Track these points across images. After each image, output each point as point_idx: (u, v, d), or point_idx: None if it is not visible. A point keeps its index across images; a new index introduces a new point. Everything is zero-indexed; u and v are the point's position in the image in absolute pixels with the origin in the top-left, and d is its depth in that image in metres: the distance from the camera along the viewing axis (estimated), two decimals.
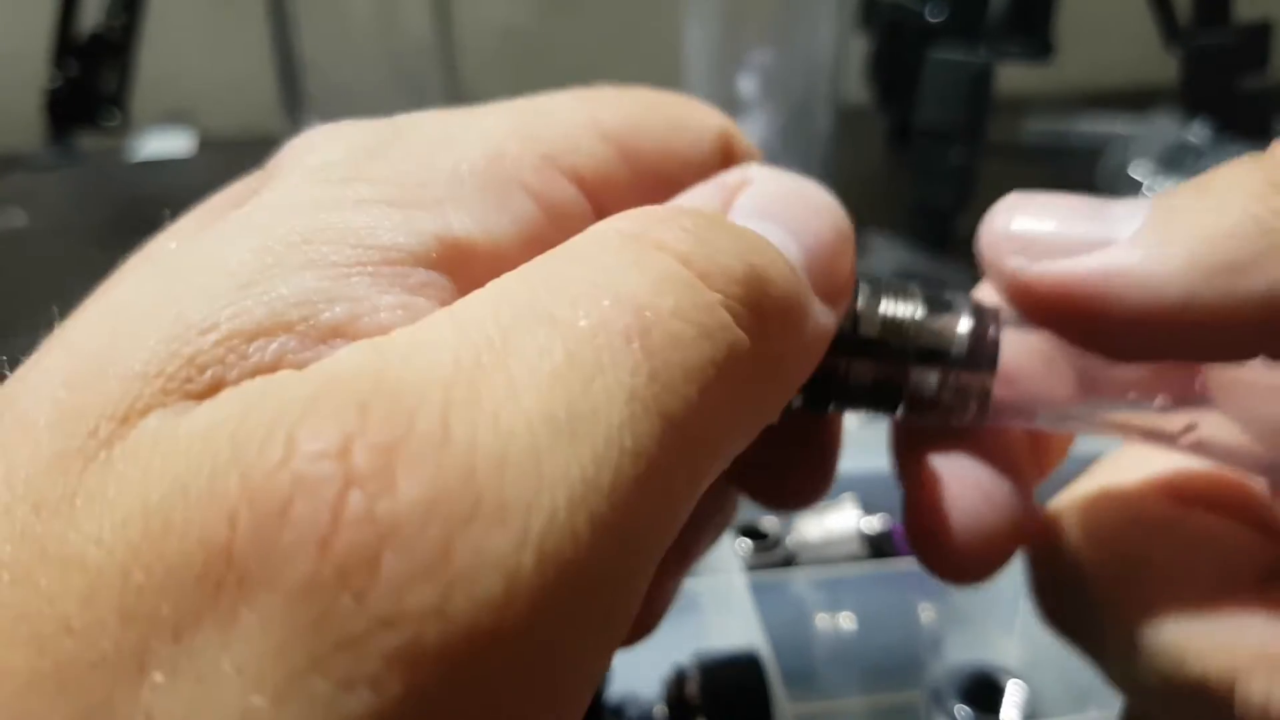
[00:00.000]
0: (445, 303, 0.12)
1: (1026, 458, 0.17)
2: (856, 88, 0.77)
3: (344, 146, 0.14)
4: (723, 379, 0.12)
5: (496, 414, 0.10)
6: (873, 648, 0.37)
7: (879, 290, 0.16)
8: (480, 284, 0.12)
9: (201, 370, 0.11)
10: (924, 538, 0.16)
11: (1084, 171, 0.71)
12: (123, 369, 0.11)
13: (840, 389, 0.16)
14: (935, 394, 0.16)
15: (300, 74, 0.62)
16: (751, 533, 0.40)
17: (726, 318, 0.12)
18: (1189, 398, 0.15)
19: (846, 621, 0.37)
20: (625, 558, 0.11)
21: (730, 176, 0.16)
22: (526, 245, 0.14)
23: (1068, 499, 0.18)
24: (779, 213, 0.15)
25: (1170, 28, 0.71)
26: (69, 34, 0.74)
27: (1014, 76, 0.71)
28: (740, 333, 0.12)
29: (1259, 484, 0.16)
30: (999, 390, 0.16)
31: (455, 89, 0.67)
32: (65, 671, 0.09)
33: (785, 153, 0.65)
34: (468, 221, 0.13)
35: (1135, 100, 0.80)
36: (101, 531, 0.10)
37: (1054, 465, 0.18)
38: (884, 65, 0.78)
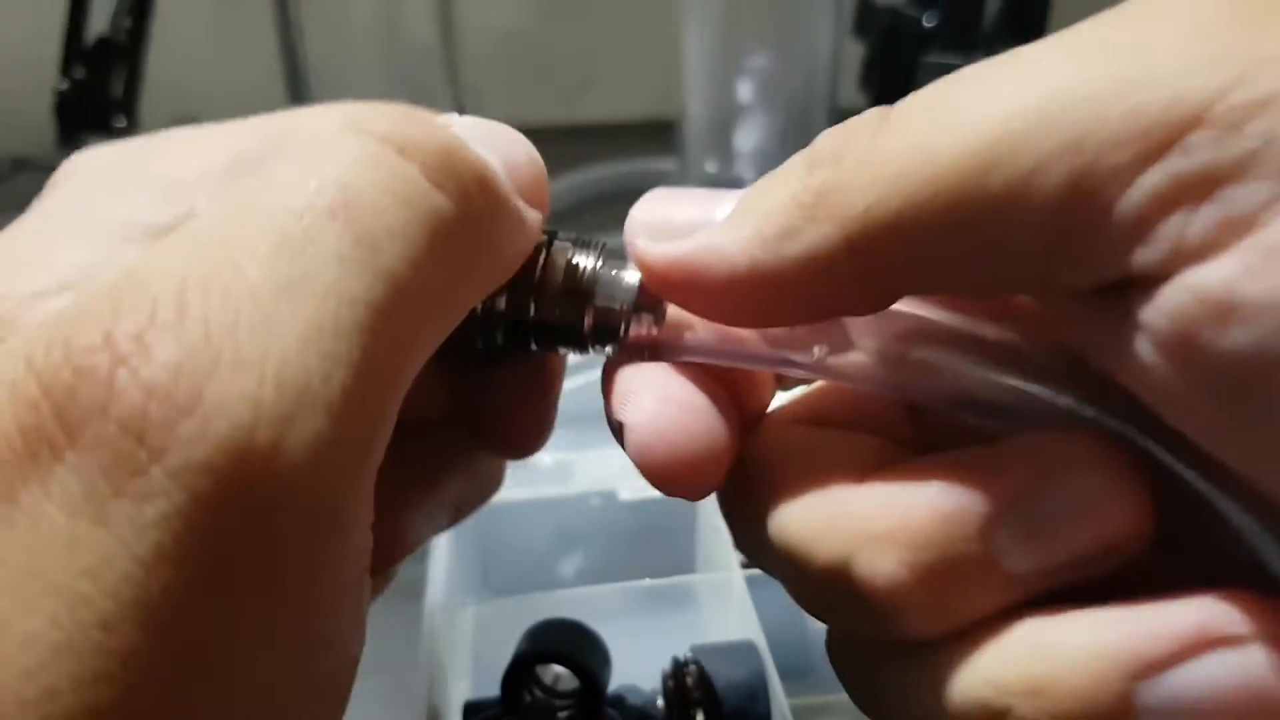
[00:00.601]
0: None
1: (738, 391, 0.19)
2: (853, 92, 0.78)
3: (105, 162, 0.17)
4: (431, 239, 0.14)
5: (226, 289, 0.13)
6: None
7: (567, 242, 0.19)
8: None
9: None
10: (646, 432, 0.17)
11: None
12: None
13: (532, 327, 0.18)
14: (614, 332, 0.18)
15: (305, 79, 0.63)
16: None
17: (425, 185, 0.15)
18: (836, 344, 0.17)
19: None
20: (361, 388, 0.13)
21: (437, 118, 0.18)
22: None
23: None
24: (479, 135, 0.17)
25: None
26: (77, 38, 0.75)
27: None
28: (441, 198, 0.15)
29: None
30: (667, 332, 0.18)
31: (457, 92, 0.68)
32: None
33: (783, 156, 0.65)
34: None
35: None
36: None
37: (766, 401, 0.20)
38: (879, 70, 0.78)
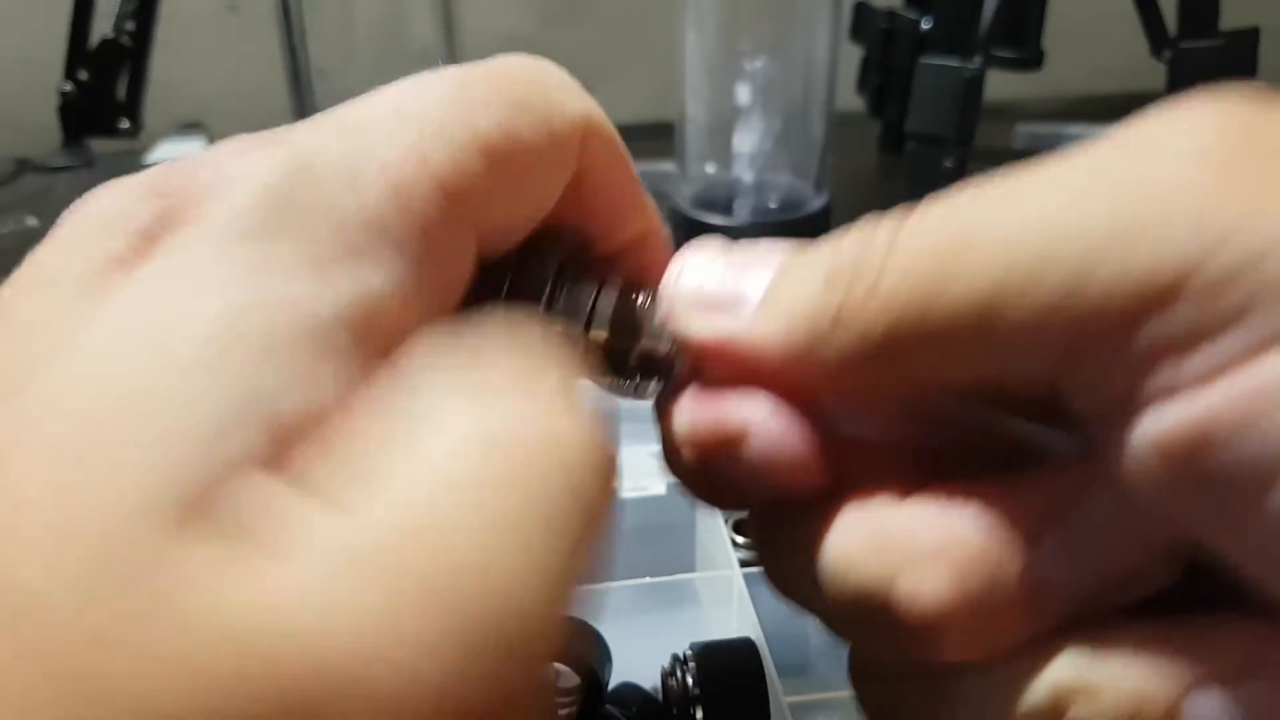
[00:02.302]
0: (362, 369, 0.13)
1: None
2: (850, 94, 0.78)
3: (251, 191, 0.14)
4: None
5: (486, 570, 0.12)
6: None
7: (614, 287, 0.19)
8: (381, 339, 0.13)
9: (208, 507, 0.11)
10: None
11: None
12: (127, 512, 0.11)
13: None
14: (662, 370, 0.19)
15: (309, 82, 0.63)
16: (747, 528, 0.42)
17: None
18: None
19: None
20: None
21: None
22: (421, 287, 0.15)
23: None
24: None
25: (1158, 35, 0.72)
26: (82, 40, 0.75)
27: (1004, 83, 0.72)
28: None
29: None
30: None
31: None
32: None
33: (781, 158, 0.66)
34: (381, 278, 0.14)
35: (1124, 106, 0.81)
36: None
37: None
38: (876, 72, 0.79)
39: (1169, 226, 0.13)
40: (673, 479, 0.19)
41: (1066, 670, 0.15)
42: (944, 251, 0.14)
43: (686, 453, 0.18)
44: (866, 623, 0.16)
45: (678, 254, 0.19)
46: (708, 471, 0.17)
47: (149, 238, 0.13)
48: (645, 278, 0.19)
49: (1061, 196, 0.14)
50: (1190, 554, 0.15)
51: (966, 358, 0.15)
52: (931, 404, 0.17)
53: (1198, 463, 0.13)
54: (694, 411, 0.17)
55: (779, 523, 0.18)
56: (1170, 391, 0.13)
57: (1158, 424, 0.13)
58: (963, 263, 0.14)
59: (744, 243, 0.19)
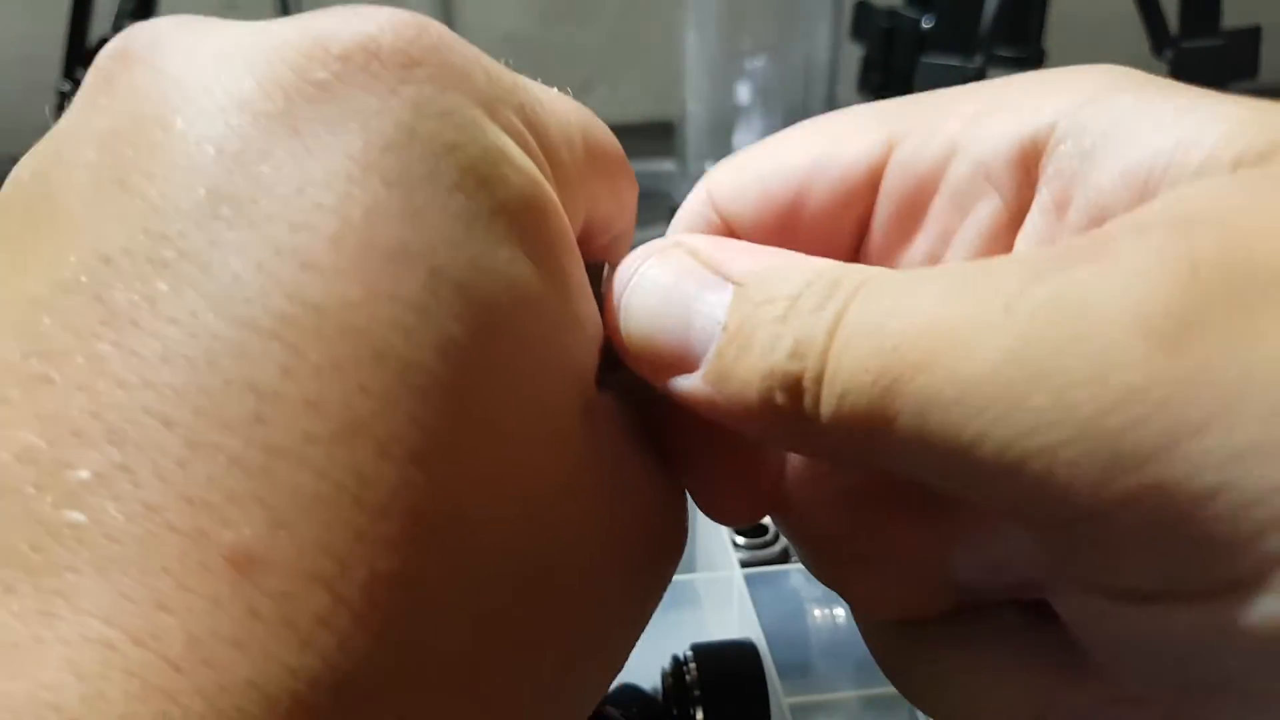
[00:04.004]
0: None
1: None
2: (851, 93, 0.78)
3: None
4: None
5: None
6: None
7: None
8: None
9: None
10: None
11: None
12: None
13: None
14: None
15: None
16: (747, 528, 0.42)
17: None
18: None
19: (840, 614, 0.39)
20: None
21: None
22: None
23: None
24: None
25: (1160, 34, 0.72)
26: (80, 39, 0.75)
27: None
28: None
29: None
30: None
31: None
32: None
33: None
34: None
35: None
36: None
37: None
38: (877, 71, 0.79)
39: (1125, 416, 0.11)
40: None
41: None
42: (885, 381, 0.13)
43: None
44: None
45: (621, 265, 0.18)
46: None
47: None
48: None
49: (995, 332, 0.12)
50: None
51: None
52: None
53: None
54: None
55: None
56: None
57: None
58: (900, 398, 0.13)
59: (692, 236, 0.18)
